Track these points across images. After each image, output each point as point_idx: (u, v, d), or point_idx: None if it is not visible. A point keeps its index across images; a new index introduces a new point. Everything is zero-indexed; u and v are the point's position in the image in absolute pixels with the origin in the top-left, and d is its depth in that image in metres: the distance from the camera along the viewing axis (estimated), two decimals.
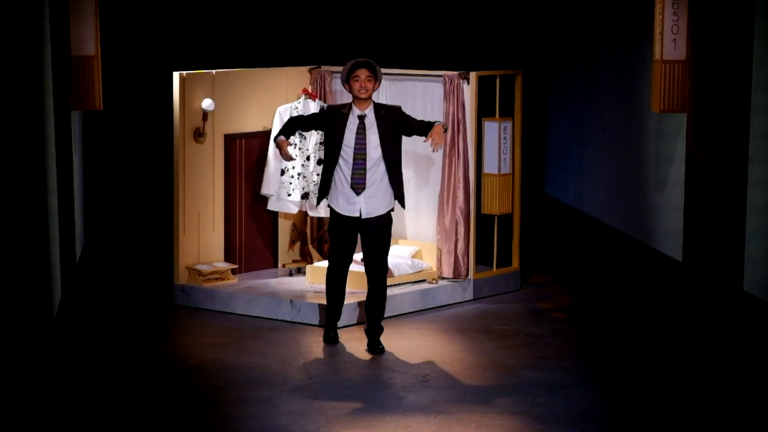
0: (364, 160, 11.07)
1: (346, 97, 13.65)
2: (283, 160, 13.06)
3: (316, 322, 12.16)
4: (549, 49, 15.01)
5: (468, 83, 12.96)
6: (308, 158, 13.06)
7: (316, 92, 13.48)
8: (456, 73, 13.01)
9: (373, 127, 11.10)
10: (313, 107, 13.08)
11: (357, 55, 13.90)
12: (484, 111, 13.30)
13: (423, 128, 11.13)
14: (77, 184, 12.53)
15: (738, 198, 9.53)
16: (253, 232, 13.55)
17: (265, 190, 13.33)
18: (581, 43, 13.86)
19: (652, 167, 11.60)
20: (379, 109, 11.20)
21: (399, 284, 12.89)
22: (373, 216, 11.14)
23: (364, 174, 11.08)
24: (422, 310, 12.80)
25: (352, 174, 11.07)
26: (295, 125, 11.45)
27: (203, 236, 13.18)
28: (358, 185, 11.08)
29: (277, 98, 13.44)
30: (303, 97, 13.16)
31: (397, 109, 11.29)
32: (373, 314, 11.35)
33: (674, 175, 11.03)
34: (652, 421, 9.58)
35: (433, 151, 11.19)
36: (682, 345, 10.55)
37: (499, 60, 14.55)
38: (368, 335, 11.38)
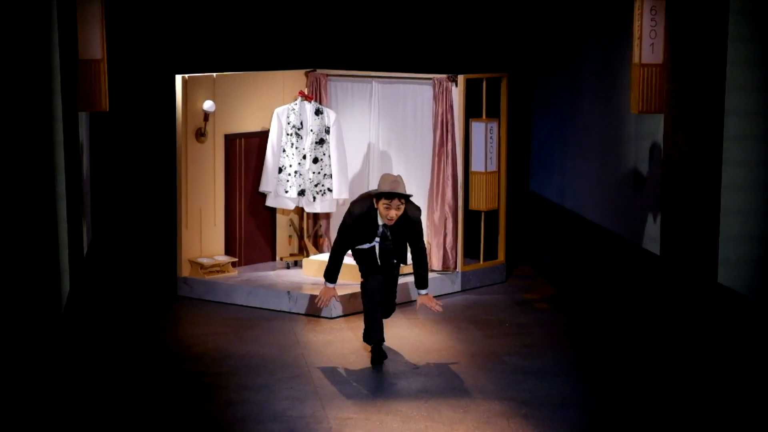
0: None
1: (341, 99, 13.68)
2: (282, 160, 13.09)
3: (312, 313, 12.17)
4: (533, 54, 15.02)
5: (456, 86, 12.97)
6: (304, 157, 13.06)
7: (312, 94, 13.48)
8: (445, 76, 13.02)
9: (389, 238, 10.88)
10: (309, 109, 13.08)
11: (352, 60, 13.98)
12: (471, 112, 13.32)
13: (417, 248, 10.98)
14: (85, 182, 12.52)
15: (712, 196, 9.55)
16: (252, 227, 13.56)
17: (263, 187, 13.34)
18: (564, 48, 13.88)
19: (631, 166, 11.62)
20: (401, 219, 10.77)
21: None
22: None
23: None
24: (413, 301, 12.82)
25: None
26: (341, 258, 10.97)
27: (205, 231, 13.18)
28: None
29: (275, 100, 13.44)
30: (299, 99, 13.16)
31: (416, 221, 10.87)
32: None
33: (652, 172, 11.05)
34: (632, 406, 9.61)
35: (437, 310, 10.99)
36: (659, 334, 10.57)
37: (486, 64, 14.56)
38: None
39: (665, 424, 9.21)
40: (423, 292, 10.94)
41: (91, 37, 11.44)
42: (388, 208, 10.57)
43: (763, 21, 9.35)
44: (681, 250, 10.14)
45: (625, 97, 11.38)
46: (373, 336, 10.76)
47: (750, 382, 8.86)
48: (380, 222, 10.72)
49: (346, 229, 10.83)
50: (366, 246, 10.87)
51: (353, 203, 10.91)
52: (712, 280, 9.54)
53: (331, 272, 10.87)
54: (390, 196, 10.55)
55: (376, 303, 10.85)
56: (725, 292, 9.39)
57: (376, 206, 10.64)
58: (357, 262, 11.11)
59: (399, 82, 13.45)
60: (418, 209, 10.90)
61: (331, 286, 10.88)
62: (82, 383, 9.95)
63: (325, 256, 13.14)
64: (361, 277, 11.03)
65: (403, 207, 10.61)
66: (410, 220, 10.77)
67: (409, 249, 10.98)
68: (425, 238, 13.18)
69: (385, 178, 10.72)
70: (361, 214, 10.76)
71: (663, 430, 9.09)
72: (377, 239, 10.83)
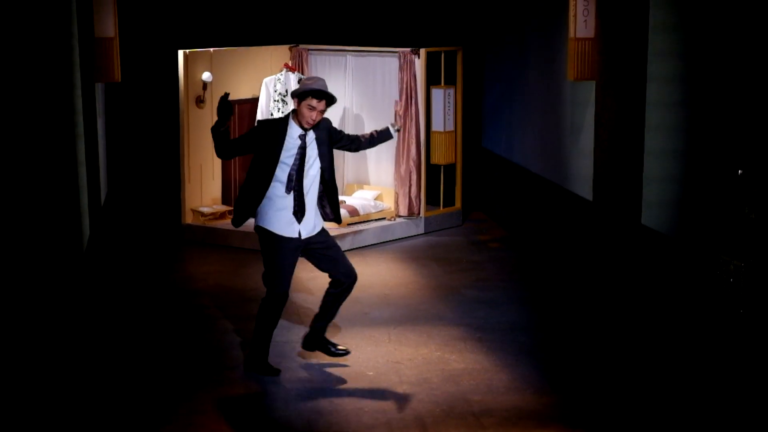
0: (302, 180, 8.33)
1: (320, 70, 13.64)
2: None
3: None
4: (484, 30, 15.00)
5: (418, 58, 12.96)
6: None
7: (295, 66, 13.46)
8: (408, 49, 13.01)
9: (313, 144, 8.35)
10: (293, 78, 13.06)
11: (330, 36, 13.84)
12: (431, 80, 13.32)
13: (368, 139, 8.78)
14: (101, 143, 12.50)
15: (636, 147, 9.60)
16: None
17: None
18: (511, 25, 13.86)
19: (568, 126, 11.64)
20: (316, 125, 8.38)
21: (364, 221, 12.93)
22: (314, 234, 8.49)
23: (303, 195, 8.35)
24: (383, 243, 12.85)
25: (293, 196, 8.33)
26: (227, 142, 8.46)
27: (204, 184, 13.18)
28: (297, 209, 8.36)
29: (264, 71, 13.41)
30: (284, 70, 13.14)
31: (327, 122, 8.48)
32: (332, 315, 8.86)
33: (586, 130, 11.08)
34: (570, 329, 9.67)
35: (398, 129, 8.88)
36: (591, 267, 10.63)
37: (444, 39, 14.53)
38: (324, 338, 8.89)
39: (597, 344, 9.28)
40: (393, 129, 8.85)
41: (105, 18, 11.40)
42: (312, 109, 8.20)
43: (682, 12, 9.38)
44: (610, 196, 10.19)
45: (563, 67, 11.40)
46: (263, 354, 8.63)
47: (666, 303, 8.95)
48: (296, 132, 8.28)
49: (253, 130, 8.47)
50: (283, 177, 8.28)
51: (258, 120, 8.75)
52: (637, 221, 9.60)
53: (221, 138, 8.39)
54: (319, 95, 8.19)
55: (276, 314, 8.57)
56: (648, 232, 9.45)
57: (296, 108, 8.27)
58: (267, 252, 8.39)
59: (370, 55, 13.43)
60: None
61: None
62: (100, 315, 9.97)
63: None
64: (265, 283, 8.49)
65: (325, 109, 8.31)
66: (321, 123, 8.39)
67: (351, 146, 8.76)
68: (392, 188, 13.23)
69: (309, 79, 8.39)
70: (274, 120, 8.44)
71: (596, 349, 9.16)
72: (293, 154, 8.25)
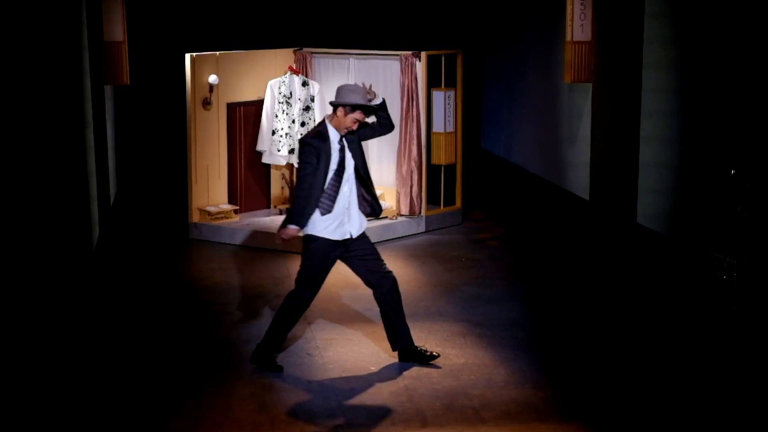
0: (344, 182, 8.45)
1: (323, 73, 13.64)
2: (275, 124, 13.07)
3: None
4: (484, 34, 15.00)
5: (419, 61, 12.96)
6: (293, 121, 13.04)
7: (300, 69, 13.46)
8: (410, 53, 13.00)
9: (348, 146, 8.48)
10: (297, 81, 13.06)
11: (333, 40, 13.87)
12: (432, 83, 13.31)
13: (377, 120, 8.65)
14: (110, 143, 12.50)
15: (631, 150, 9.59)
16: (250, 180, 13.55)
17: (259, 146, 13.33)
18: (509, 29, 13.86)
19: (565, 127, 11.64)
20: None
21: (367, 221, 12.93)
22: (361, 232, 8.65)
23: (347, 196, 8.48)
24: (385, 240, 12.85)
25: (341, 198, 8.43)
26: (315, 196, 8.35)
27: (211, 184, 13.17)
28: (345, 210, 8.48)
29: (269, 74, 13.41)
30: (289, 73, 13.13)
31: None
32: (400, 318, 8.79)
33: (583, 131, 11.08)
34: (567, 325, 9.67)
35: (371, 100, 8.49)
36: (588, 265, 10.63)
37: (444, 42, 14.54)
38: (413, 345, 8.78)
39: (594, 340, 9.28)
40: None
41: (114, 23, 11.41)
42: (356, 122, 8.38)
43: (673, 3, 9.37)
44: (606, 195, 10.19)
45: (560, 70, 11.39)
46: (273, 349, 8.66)
47: (661, 299, 8.95)
48: (335, 141, 8.38)
49: (309, 152, 8.33)
50: (330, 181, 8.34)
51: (303, 139, 8.45)
52: (632, 219, 9.60)
53: (303, 215, 8.34)
54: (369, 110, 8.43)
55: (293, 322, 8.64)
56: (643, 230, 9.45)
57: (334, 117, 8.40)
58: (310, 259, 8.46)
59: (372, 58, 13.43)
60: None
61: (295, 228, 8.43)
62: (109, 311, 9.97)
63: None
64: (297, 281, 8.55)
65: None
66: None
67: (372, 133, 8.68)
68: (394, 187, 13.23)
69: (352, 88, 8.44)
70: (315, 136, 8.38)
71: (592, 344, 9.16)
72: (338, 161, 8.34)
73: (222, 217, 13.05)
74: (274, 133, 13.12)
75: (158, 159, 14.62)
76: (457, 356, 8.86)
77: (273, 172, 13.72)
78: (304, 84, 13.13)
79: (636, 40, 9.47)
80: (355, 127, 8.39)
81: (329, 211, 8.35)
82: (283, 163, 13.29)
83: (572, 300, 10.38)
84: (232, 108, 13.24)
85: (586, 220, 10.75)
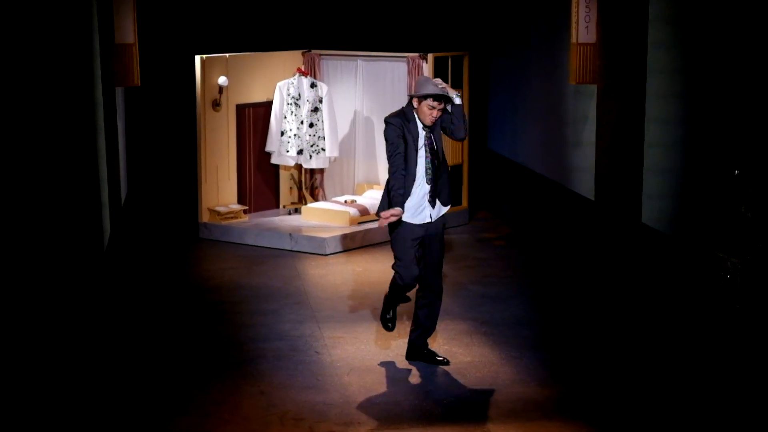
0: (433, 166, 8.52)
1: (331, 75, 13.65)
2: (284, 125, 13.07)
3: (311, 251, 12.20)
4: (490, 35, 14.99)
5: (426, 62, 12.95)
6: (302, 122, 13.05)
7: (308, 71, 13.46)
8: (417, 54, 13.00)
9: (435, 137, 8.56)
10: (305, 83, 13.06)
11: (341, 42, 13.86)
12: None
13: (452, 115, 8.55)
14: (121, 144, 12.52)
15: (636, 151, 9.59)
16: (259, 180, 13.56)
17: (268, 147, 13.34)
18: (516, 30, 13.85)
19: (570, 128, 11.63)
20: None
21: (374, 220, 12.92)
22: (439, 218, 8.68)
23: (435, 179, 8.53)
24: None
25: (430, 187, 8.51)
26: (402, 175, 8.42)
27: (221, 184, 13.18)
28: (431, 198, 8.54)
29: (277, 75, 13.42)
30: (297, 74, 13.14)
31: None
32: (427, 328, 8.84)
33: (588, 133, 11.07)
34: (572, 324, 9.66)
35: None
36: (593, 264, 10.62)
37: (451, 44, 14.53)
38: (426, 347, 8.86)
39: (599, 338, 9.28)
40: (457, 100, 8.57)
41: (124, 25, 11.41)
42: (432, 109, 8.38)
43: (677, 6, 9.37)
44: (611, 195, 10.18)
45: (565, 71, 11.39)
46: (383, 314, 8.83)
47: (665, 299, 8.95)
48: (420, 126, 8.49)
49: (393, 132, 8.46)
50: (413, 170, 8.42)
51: (386, 119, 8.57)
52: (637, 219, 9.59)
53: (401, 198, 8.38)
54: (439, 98, 8.38)
55: (401, 297, 8.74)
56: (647, 230, 9.44)
57: (416, 107, 8.47)
58: (397, 242, 8.53)
59: (379, 60, 13.43)
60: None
61: (398, 210, 8.36)
62: (121, 309, 9.98)
63: (320, 205, 13.17)
64: (396, 258, 8.58)
65: (443, 110, 8.53)
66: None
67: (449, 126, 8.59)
68: None
69: (427, 80, 8.52)
70: (398, 115, 8.53)
71: (597, 343, 9.15)
72: (424, 145, 8.45)
73: (231, 217, 13.05)
74: (282, 134, 13.13)
75: (168, 159, 14.64)
76: (463, 354, 8.86)
77: (282, 172, 13.72)
78: (313, 85, 13.13)
79: (640, 43, 9.46)
80: (434, 114, 8.40)
81: (408, 196, 8.45)
82: (292, 163, 13.30)
83: (578, 299, 10.37)
84: (241, 109, 13.25)
85: (591, 219, 10.74)
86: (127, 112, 13.99)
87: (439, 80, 8.54)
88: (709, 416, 7.59)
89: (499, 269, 11.54)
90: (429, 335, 8.86)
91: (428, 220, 8.57)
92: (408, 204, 8.45)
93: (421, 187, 8.51)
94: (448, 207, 8.75)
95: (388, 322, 8.77)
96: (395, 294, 8.71)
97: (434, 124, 8.50)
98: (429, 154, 8.49)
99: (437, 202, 8.60)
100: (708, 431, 7.45)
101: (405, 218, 8.48)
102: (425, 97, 8.40)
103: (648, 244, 9.37)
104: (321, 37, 14.69)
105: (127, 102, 13.96)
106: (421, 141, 8.47)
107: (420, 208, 8.53)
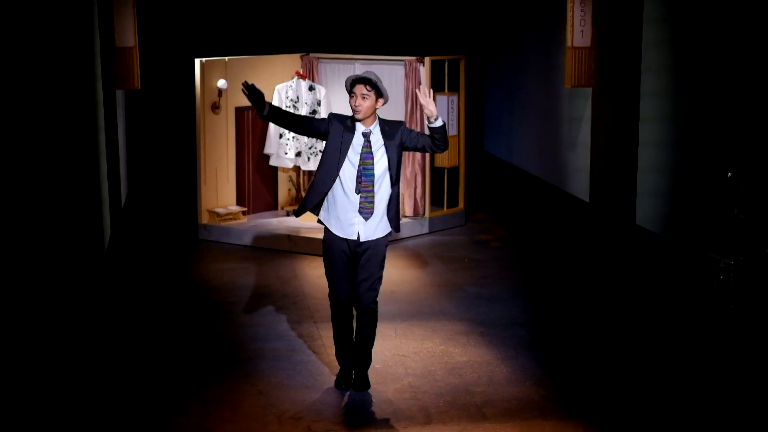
0: (371, 179, 7.71)
1: (329, 78, 13.66)
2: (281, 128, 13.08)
3: (308, 252, 12.19)
4: (486, 39, 15.00)
5: (423, 66, 12.95)
6: None
7: (306, 74, 13.46)
8: (414, 58, 13.00)
9: (380, 143, 7.75)
10: (304, 86, 13.06)
11: (339, 45, 13.82)
12: (435, 87, 13.30)
13: (424, 136, 7.90)
14: (122, 146, 12.52)
15: (630, 152, 9.59)
16: (258, 182, 13.56)
17: (267, 149, 13.33)
18: (511, 34, 13.86)
19: (565, 130, 11.64)
20: (384, 125, 7.83)
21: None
22: (371, 239, 7.88)
23: (372, 196, 7.74)
24: (390, 241, 12.82)
25: (359, 195, 7.73)
26: (289, 117, 7.88)
27: (220, 186, 13.18)
28: (364, 208, 7.75)
29: (276, 79, 13.41)
30: (296, 77, 13.14)
31: (400, 125, 7.89)
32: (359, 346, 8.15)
33: (583, 135, 11.08)
34: (567, 324, 9.66)
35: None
36: (588, 265, 10.62)
37: (447, 47, 14.53)
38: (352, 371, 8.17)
39: (594, 338, 9.28)
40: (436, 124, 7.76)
41: (125, 29, 11.40)
42: (353, 96, 7.63)
43: (671, 6, 9.38)
44: (605, 197, 10.19)
45: (560, 74, 11.39)
46: (337, 358, 8.23)
47: (659, 299, 8.95)
48: (359, 131, 7.69)
49: (322, 123, 7.74)
50: (343, 175, 7.67)
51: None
52: (631, 221, 9.60)
53: (274, 110, 7.87)
54: (352, 82, 7.66)
55: (339, 320, 8.10)
56: (641, 231, 9.45)
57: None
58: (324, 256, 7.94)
59: (377, 63, 13.42)
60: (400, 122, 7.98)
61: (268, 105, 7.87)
62: (121, 310, 9.97)
63: None
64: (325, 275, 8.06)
65: (371, 95, 7.67)
66: (393, 124, 7.86)
67: (416, 144, 7.88)
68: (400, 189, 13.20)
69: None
70: (344, 116, 7.81)
71: (592, 343, 9.15)
72: (358, 153, 7.65)
73: (230, 219, 13.05)
74: (281, 136, 13.13)
75: (168, 162, 14.63)
76: (460, 354, 8.85)
77: (280, 174, 13.72)
78: (311, 88, 13.13)
79: (635, 46, 9.47)
80: (354, 102, 7.62)
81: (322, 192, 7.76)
82: (290, 165, 13.30)
83: (573, 299, 10.37)
84: (240, 112, 13.25)
85: (586, 221, 10.75)
86: (128, 114, 13.98)
87: (423, 87, 7.88)
88: (703, 416, 7.59)
89: (495, 270, 11.54)
90: (363, 363, 8.10)
91: (354, 237, 7.80)
92: (335, 211, 7.80)
93: (347, 197, 7.72)
94: (388, 232, 7.90)
95: (340, 365, 8.14)
96: (334, 320, 8.10)
97: (389, 139, 7.73)
98: (361, 163, 7.65)
99: (371, 222, 7.79)
100: (702, 431, 7.45)
101: (330, 227, 7.83)
102: (349, 89, 7.66)
103: (642, 246, 9.37)
104: (319, 40, 14.70)
105: (128, 105, 13.95)
106: (354, 147, 7.65)
107: (347, 222, 7.78)
